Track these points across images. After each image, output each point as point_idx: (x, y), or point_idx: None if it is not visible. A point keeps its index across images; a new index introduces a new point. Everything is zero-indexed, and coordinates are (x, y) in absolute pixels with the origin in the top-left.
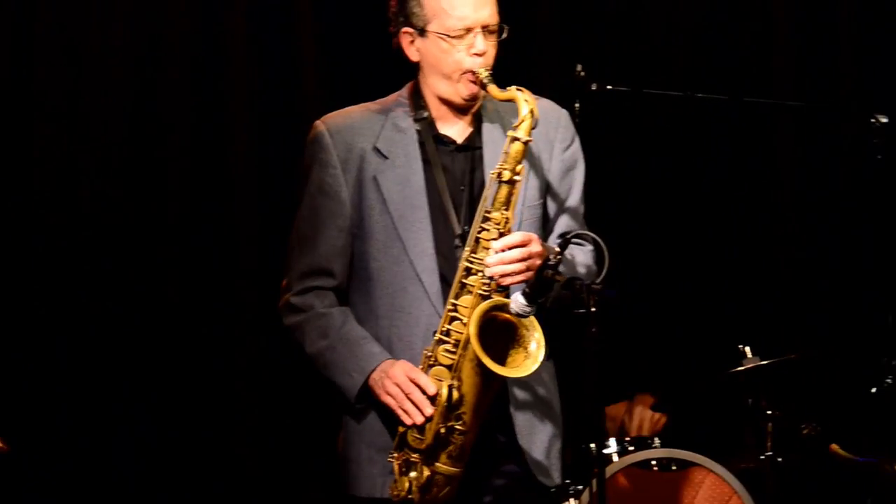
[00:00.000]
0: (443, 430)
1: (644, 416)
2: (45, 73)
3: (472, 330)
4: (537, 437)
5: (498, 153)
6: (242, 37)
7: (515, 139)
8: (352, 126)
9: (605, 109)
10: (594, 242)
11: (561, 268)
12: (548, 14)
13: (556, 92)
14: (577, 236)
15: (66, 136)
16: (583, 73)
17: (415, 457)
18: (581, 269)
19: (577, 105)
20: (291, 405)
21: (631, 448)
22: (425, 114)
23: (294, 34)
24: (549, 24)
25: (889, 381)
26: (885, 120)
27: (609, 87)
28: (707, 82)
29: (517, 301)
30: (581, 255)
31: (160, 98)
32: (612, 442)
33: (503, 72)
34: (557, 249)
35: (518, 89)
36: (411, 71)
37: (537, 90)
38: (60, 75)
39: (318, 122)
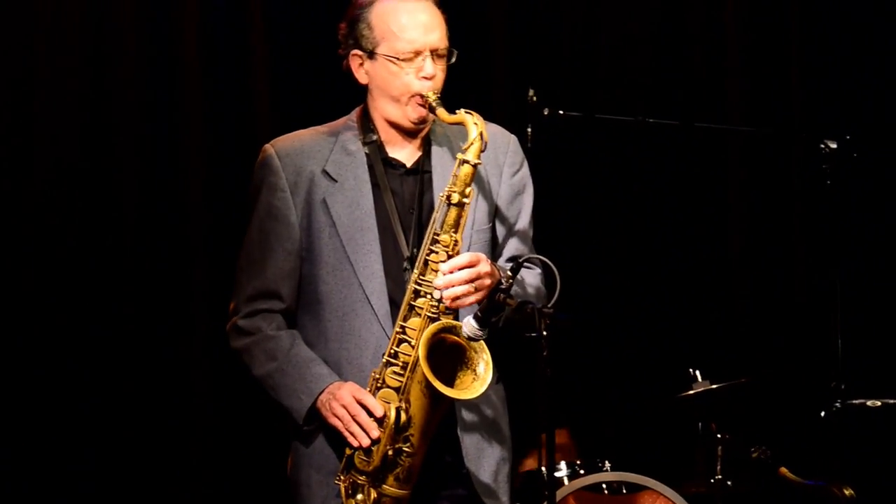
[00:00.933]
0: (390, 452)
1: None
2: None
3: (421, 352)
4: (485, 461)
5: (447, 177)
6: (194, 59)
7: (465, 162)
8: (301, 149)
9: (557, 134)
10: (546, 266)
11: (512, 291)
12: (500, 39)
13: (508, 116)
14: (528, 260)
15: (16, 159)
16: (535, 98)
17: (362, 479)
18: (531, 291)
19: (529, 130)
20: (240, 428)
21: (581, 471)
22: (374, 137)
23: (246, 57)
24: (502, 49)
25: (837, 404)
26: (834, 146)
27: (561, 112)
28: (659, 108)
29: (469, 324)
30: (530, 278)
31: (111, 121)
32: (563, 465)
33: (455, 96)
34: (509, 273)
35: (467, 112)
36: (361, 94)
37: (489, 115)
38: (10, 105)
39: (267, 146)
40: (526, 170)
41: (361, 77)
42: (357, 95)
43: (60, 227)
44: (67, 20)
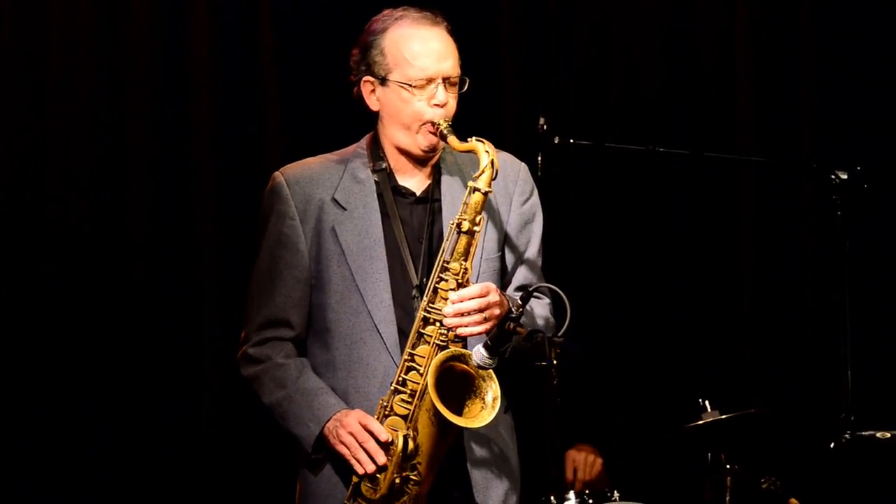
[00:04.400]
0: (397, 481)
1: (578, 460)
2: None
3: (430, 380)
4: (493, 492)
5: (457, 205)
6: (205, 85)
7: (475, 190)
8: (310, 177)
9: (567, 163)
10: (556, 295)
11: (521, 320)
12: (511, 67)
13: (518, 145)
14: (538, 290)
15: (28, 182)
16: (545, 127)
17: None
18: (539, 322)
19: (539, 158)
20: (248, 457)
21: (590, 501)
22: (384, 165)
23: (256, 83)
24: (512, 77)
25: (847, 436)
26: (844, 176)
27: (571, 140)
28: (669, 137)
29: (479, 353)
30: (539, 308)
31: (122, 147)
32: (572, 495)
33: (466, 124)
34: (520, 302)
35: (478, 140)
36: (372, 121)
37: (499, 142)
38: (22, 125)
39: (276, 173)
40: (536, 198)
41: (372, 104)
42: (367, 123)
43: (68, 249)
44: (79, 37)
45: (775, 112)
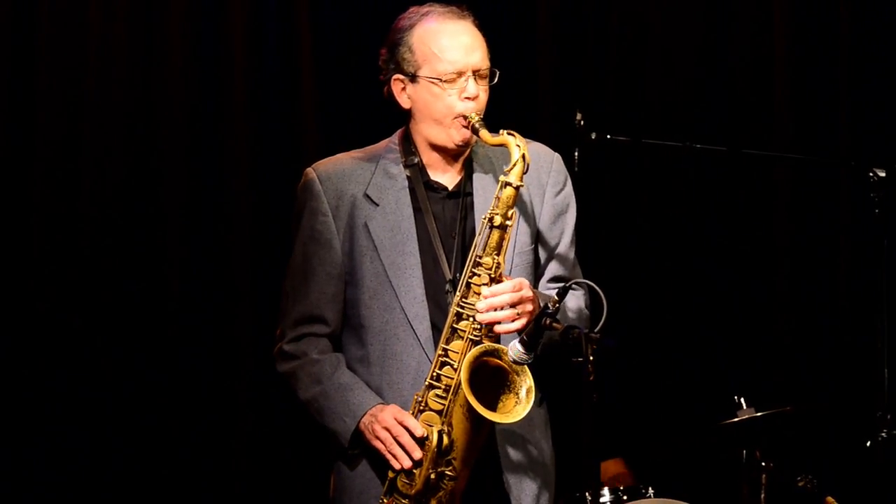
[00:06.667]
0: (433, 476)
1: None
2: (45, 111)
3: (464, 375)
4: (527, 486)
5: (489, 200)
6: (242, 81)
7: (507, 184)
8: (342, 173)
9: (604, 159)
10: (593, 291)
11: (557, 315)
12: (548, 62)
13: (555, 140)
14: (574, 284)
15: (65, 180)
16: (582, 122)
17: (404, 502)
18: (571, 316)
19: (576, 154)
20: (284, 452)
21: (625, 497)
22: (416, 160)
23: (293, 80)
24: (549, 73)
25: (884, 434)
26: (882, 174)
27: (609, 136)
28: (706, 133)
29: (515, 348)
30: (571, 302)
31: (157, 147)
32: (606, 491)
33: (503, 120)
34: (556, 297)
35: (510, 133)
36: (404, 118)
37: (536, 138)
38: (60, 114)
39: (308, 170)
40: (569, 189)
41: (404, 101)
42: (399, 119)
43: (104, 249)
44: (116, 40)
45: (813, 109)
